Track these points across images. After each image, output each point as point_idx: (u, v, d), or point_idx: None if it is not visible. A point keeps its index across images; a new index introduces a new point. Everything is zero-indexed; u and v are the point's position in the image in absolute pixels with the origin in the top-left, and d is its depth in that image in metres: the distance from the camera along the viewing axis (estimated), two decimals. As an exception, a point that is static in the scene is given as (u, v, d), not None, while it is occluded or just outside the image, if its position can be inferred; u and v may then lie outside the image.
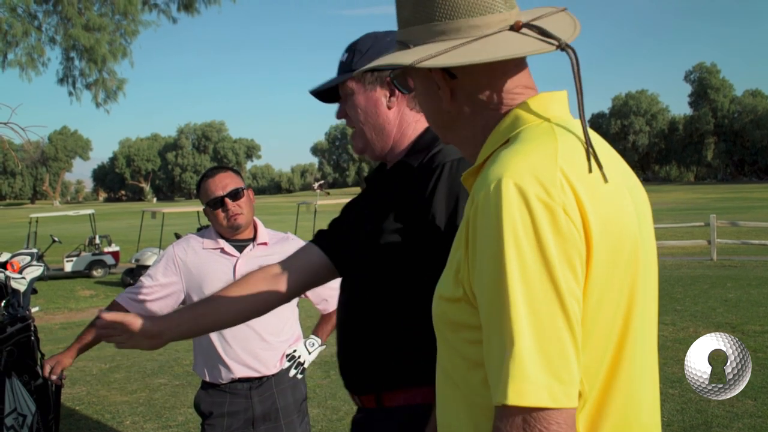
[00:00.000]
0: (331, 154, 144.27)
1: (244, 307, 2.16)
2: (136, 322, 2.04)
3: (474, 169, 1.37)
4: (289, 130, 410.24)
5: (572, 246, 1.15)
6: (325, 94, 2.14)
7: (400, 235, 1.93)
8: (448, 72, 1.37)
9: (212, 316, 2.17)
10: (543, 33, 1.30)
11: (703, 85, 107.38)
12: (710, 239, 19.10)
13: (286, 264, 2.21)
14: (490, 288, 1.16)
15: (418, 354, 1.80)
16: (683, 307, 10.58)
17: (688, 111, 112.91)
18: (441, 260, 1.41)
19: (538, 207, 1.14)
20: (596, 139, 1.37)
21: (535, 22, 1.31)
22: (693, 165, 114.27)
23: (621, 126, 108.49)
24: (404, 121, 2.08)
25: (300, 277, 2.17)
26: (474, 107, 1.39)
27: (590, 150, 1.26)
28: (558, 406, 1.10)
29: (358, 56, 2.04)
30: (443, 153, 1.97)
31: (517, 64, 1.38)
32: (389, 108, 2.06)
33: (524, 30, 1.31)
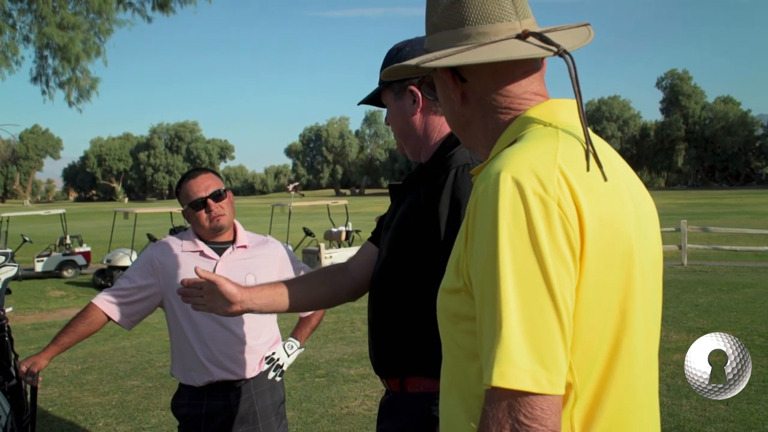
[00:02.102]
0: (305, 155, 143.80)
1: (317, 297, 2.40)
2: (224, 285, 2.17)
3: (482, 167, 1.42)
4: (262, 131, 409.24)
5: (565, 239, 1.20)
6: (376, 99, 2.37)
7: (417, 234, 2.06)
8: (459, 76, 1.46)
9: (290, 298, 2.31)
10: (544, 40, 1.36)
11: (675, 92, 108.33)
12: (681, 244, 19.25)
13: (353, 261, 2.47)
14: (484, 275, 1.21)
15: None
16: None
17: (659, 117, 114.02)
18: (443, 261, 1.47)
19: (533, 200, 1.20)
20: (600, 143, 1.44)
21: (548, 33, 1.38)
22: (664, 171, 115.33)
23: (593, 131, 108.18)
24: (429, 126, 2.24)
25: (365, 273, 2.40)
26: (484, 110, 1.47)
27: (590, 150, 1.31)
28: (541, 391, 1.14)
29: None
30: (454, 158, 2.11)
31: (526, 71, 1.44)
32: (413, 114, 2.24)
33: (530, 39, 1.37)
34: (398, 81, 2.21)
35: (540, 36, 1.37)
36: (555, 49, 1.34)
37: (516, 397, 1.14)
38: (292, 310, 2.37)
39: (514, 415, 1.14)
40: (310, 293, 2.36)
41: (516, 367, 1.14)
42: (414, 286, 2.05)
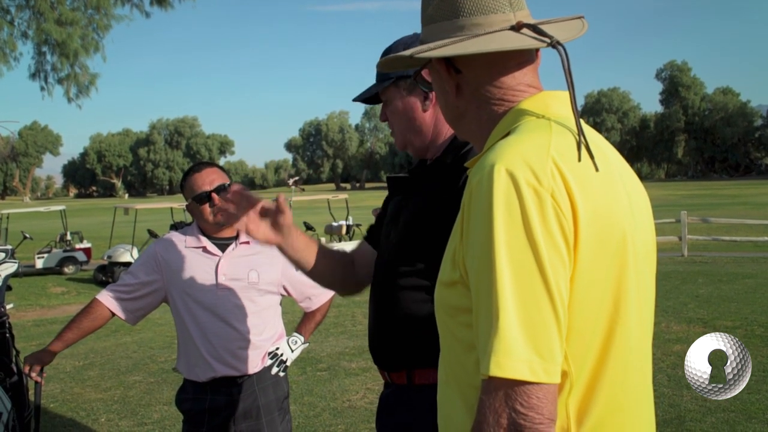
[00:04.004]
0: (305, 150, 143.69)
1: (334, 276, 2.44)
2: (285, 216, 2.23)
3: (476, 159, 1.43)
4: (262, 126, 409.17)
5: (559, 230, 1.21)
6: (370, 97, 2.32)
7: (431, 228, 2.03)
8: (454, 67, 1.47)
9: (316, 264, 2.37)
10: (538, 32, 1.37)
11: (675, 83, 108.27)
12: (681, 235, 19.26)
13: (356, 257, 2.48)
14: (479, 266, 1.22)
15: None
16: (655, 302, 10.68)
17: (659, 108, 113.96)
18: None
19: (527, 191, 1.21)
20: (593, 134, 1.44)
21: (542, 25, 1.39)
22: (664, 162, 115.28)
23: (593, 123, 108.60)
24: (439, 121, 2.22)
25: (362, 273, 2.43)
26: (478, 102, 1.48)
27: (582, 140, 1.32)
28: (537, 380, 1.15)
29: None
30: (471, 153, 2.09)
31: (520, 62, 1.45)
32: (425, 111, 2.21)
33: (524, 30, 1.38)
34: (410, 76, 2.15)
35: (534, 27, 1.38)
36: (548, 41, 1.35)
37: (512, 386, 1.16)
38: (309, 269, 2.40)
39: (510, 403, 1.16)
40: (332, 270, 2.41)
41: (512, 356, 1.15)
42: (428, 282, 2.02)
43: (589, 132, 1.40)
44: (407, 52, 1.41)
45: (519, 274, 1.18)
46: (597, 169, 1.32)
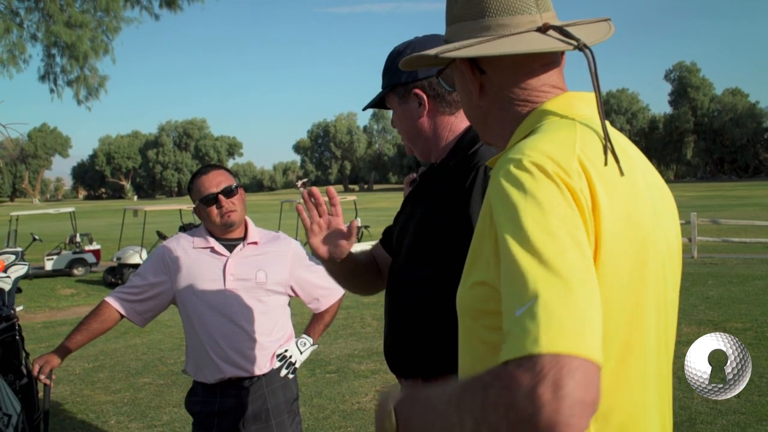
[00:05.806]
0: (314, 151, 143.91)
1: (366, 282, 2.47)
2: (350, 244, 2.26)
3: (498, 157, 1.40)
4: (270, 127, 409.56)
5: (582, 226, 1.17)
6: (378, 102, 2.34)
7: (441, 232, 2.02)
8: (478, 67, 1.45)
9: (352, 274, 2.42)
10: (564, 34, 1.36)
11: (683, 84, 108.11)
12: (691, 237, 19.20)
13: (371, 254, 2.51)
14: (505, 258, 1.15)
15: None
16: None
17: (668, 110, 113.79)
18: None
19: (550, 184, 1.18)
20: (617, 135, 1.42)
21: (568, 27, 1.37)
22: (673, 163, 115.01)
23: None
24: (438, 126, 2.20)
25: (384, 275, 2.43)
26: (502, 103, 1.46)
27: (608, 144, 1.30)
28: (587, 356, 1.04)
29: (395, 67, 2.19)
30: (479, 154, 2.06)
31: (545, 64, 1.44)
32: (420, 116, 2.19)
33: (550, 32, 1.37)
34: (402, 84, 2.17)
35: (560, 30, 1.37)
36: (575, 43, 1.34)
37: (561, 360, 1.05)
38: (347, 285, 2.50)
39: (549, 378, 1.07)
40: (364, 281, 2.46)
41: (564, 331, 1.07)
42: (441, 287, 1.97)
43: (613, 133, 1.38)
44: (432, 51, 1.39)
45: (549, 261, 1.11)
46: (622, 174, 1.30)
